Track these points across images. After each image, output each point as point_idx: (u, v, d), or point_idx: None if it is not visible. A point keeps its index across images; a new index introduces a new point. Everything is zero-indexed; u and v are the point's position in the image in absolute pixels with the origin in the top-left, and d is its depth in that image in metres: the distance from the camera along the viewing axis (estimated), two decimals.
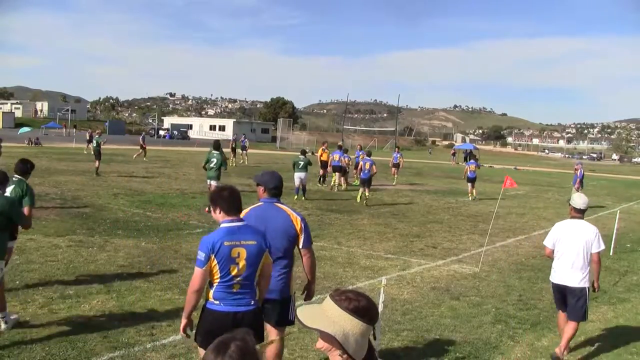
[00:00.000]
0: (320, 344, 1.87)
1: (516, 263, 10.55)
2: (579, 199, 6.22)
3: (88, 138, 35.44)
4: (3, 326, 5.72)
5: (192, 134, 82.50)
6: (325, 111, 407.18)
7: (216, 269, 3.79)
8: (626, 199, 25.59)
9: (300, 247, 4.61)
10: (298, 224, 4.55)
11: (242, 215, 4.44)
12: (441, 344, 6.07)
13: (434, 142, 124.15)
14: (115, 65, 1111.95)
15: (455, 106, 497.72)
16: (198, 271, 3.79)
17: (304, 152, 19.36)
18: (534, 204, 21.17)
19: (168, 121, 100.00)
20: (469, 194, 21.69)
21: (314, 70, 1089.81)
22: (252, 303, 3.92)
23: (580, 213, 6.13)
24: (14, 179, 6.46)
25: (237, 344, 1.71)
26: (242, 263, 3.82)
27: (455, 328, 6.60)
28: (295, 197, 17.71)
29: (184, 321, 3.97)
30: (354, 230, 12.85)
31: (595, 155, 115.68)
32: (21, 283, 7.22)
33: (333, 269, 9.07)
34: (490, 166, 54.26)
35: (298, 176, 17.91)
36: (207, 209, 12.85)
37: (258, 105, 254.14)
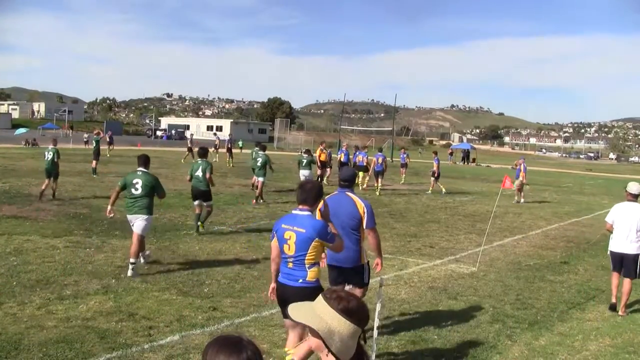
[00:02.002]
0: (310, 342, 1.87)
1: (514, 262, 10.56)
2: (633, 186, 7.74)
3: (108, 138, 35.69)
4: (130, 272, 7.85)
5: (189, 134, 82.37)
6: (322, 111, 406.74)
7: (277, 245, 4.64)
8: (623, 198, 25.60)
9: (364, 227, 5.68)
10: (362, 209, 5.66)
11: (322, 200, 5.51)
12: (439, 343, 6.08)
13: (431, 141, 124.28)
14: (112, 66, 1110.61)
15: (453, 106, 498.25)
16: (271, 244, 4.74)
17: (308, 151, 20.45)
18: (531, 204, 21.18)
19: (165, 122, 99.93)
20: (441, 188, 23.09)
21: (311, 70, 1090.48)
22: (300, 281, 4.56)
23: (634, 197, 7.66)
24: (199, 161, 11.50)
25: (246, 340, 1.72)
26: (292, 245, 4.53)
27: (453, 328, 6.61)
28: None
29: (271, 285, 4.87)
30: None
31: (592, 155, 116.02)
32: (18, 284, 7.20)
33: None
34: (488, 166, 54.34)
35: (303, 174, 19.06)
36: (254, 201, 16.24)
37: (255, 106, 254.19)
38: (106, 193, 16.54)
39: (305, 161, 19.30)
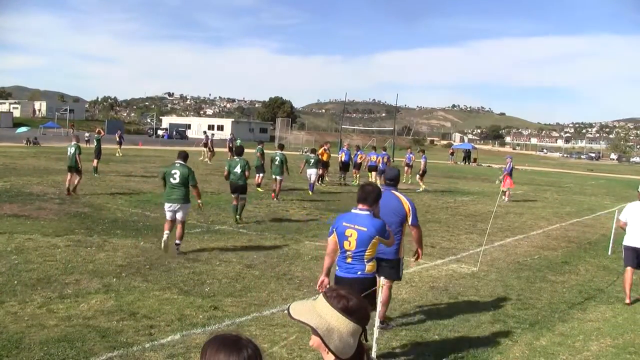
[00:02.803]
0: (312, 340, 1.87)
1: (515, 263, 10.55)
2: None
3: (118, 138, 35.47)
4: (176, 252, 9.39)
5: (190, 133, 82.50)
6: (323, 111, 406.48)
7: (336, 241, 5.02)
8: (624, 198, 25.58)
9: (409, 224, 6.13)
10: (407, 207, 6.13)
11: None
12: (440, 343, 6.08)
13: (432, 141, 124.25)
14: (114, 65, 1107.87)
15: (454, 106, 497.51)
16: (328, 239, 5.14)
17: (314, 151, 21.41)
18: (532, 204, 21.18)
19: (166, 121, 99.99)
20: (420, 185, 23.92)
21: (312, 69, 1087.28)
22: (359, 273, 5.01)
23: None
24: (236, 159, 13.01)
25: (246, 339, 1.72)
26: (353, 242, 4.94)
27: (454, 328, 6.61)
28: (310, 193, 19.51)
29: (320, 278, 5.31)
30: None
31: (593, 155, 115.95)
32: (20, 283, 7.21)
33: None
34: (489, 166, 54.31)
35: (309, 172, 19.80)
36: (273, 194, 17.33)
37: (256, 105, 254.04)
38: (107, 192, 16.56)
39: (312, 160, 19.87)
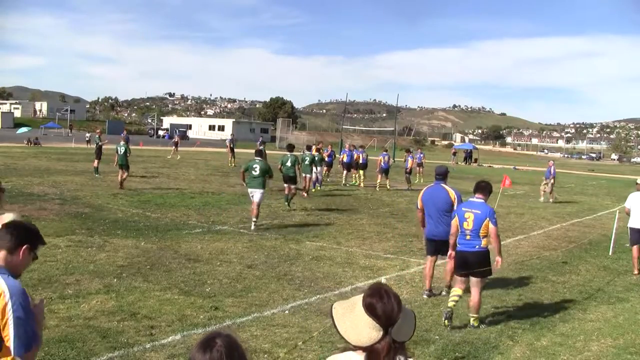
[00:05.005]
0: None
1: (515, 263, 10.54)
2: None
3: (89, 139, 35.25)
4: (252, 227, 11.94)
5: (191, 134, 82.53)
6: (324, 111, 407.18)
7: (457, 223, 6.72)
8: (625, 198, 25.52)
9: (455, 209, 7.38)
10: (452, 196, 7.79)
11: (424, 189, 8.24)
12: (440, 343, 6.07)
13: (433, 142, 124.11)
14: (115, 65, 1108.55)
15: (455, 106, 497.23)
16: (451, 222, 6.93)
17: (319, 150, 22.76)
18: (533, 204, 21.17)
19: (167, 121, 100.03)
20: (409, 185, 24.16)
21: (313, 70, 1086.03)
22: (476, 247, 6.64)
23: None
24: (288, 154, 16.07)
25: (222, 339, 1.75)
26: (470, 222, 6.62)
27: (454, 328, 6.60)
28: (314, 189, 20.20)
29: (449, 252, 6.94)
30: (353, 230, 12.85)
31: (594, 155, 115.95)
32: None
33: (332, 269, 9.07)
34: (490, 166, 54.28)
35: (314, 171, 20.49)
36: (304, 194, 18.46)
37: (257, 105, 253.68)
38: (108, 192, 16.57)
39: (317, 159, 20.81)
